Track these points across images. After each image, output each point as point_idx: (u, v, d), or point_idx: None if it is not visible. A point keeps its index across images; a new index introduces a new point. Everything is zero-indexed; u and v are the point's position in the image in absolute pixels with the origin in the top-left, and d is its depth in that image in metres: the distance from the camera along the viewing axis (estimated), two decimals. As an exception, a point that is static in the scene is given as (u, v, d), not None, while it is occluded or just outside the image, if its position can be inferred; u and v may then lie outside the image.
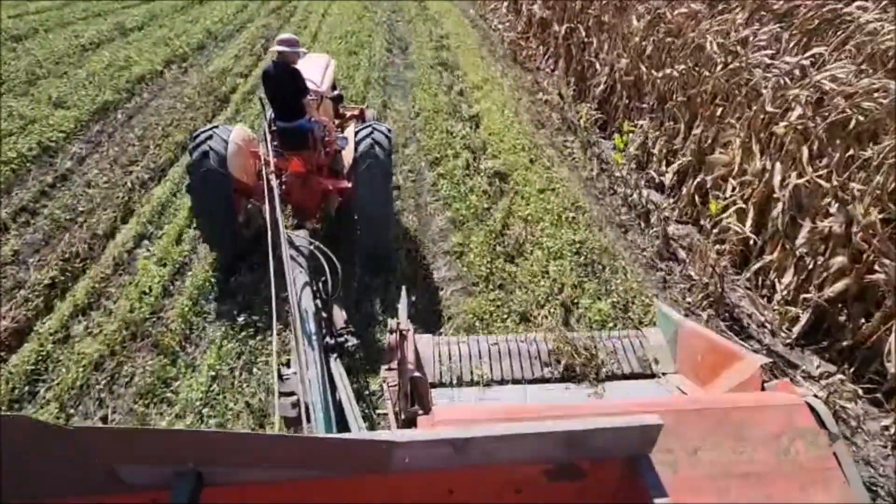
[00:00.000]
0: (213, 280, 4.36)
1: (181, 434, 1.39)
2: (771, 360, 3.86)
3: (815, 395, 1.87)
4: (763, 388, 2.09)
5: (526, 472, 1.47)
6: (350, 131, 4.43)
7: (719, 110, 5.22)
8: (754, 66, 4.78)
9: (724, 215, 4.78)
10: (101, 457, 1.22)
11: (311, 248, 3.19)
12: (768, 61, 4.72)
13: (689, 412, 1.81)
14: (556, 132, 7.52)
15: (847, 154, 3.94)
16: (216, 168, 3.85)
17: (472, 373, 2.63)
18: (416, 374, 2.14)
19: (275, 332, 2.47)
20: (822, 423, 1.76)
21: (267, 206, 3.22)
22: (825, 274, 3.92)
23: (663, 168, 6.02)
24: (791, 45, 5.00)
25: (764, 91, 4.56)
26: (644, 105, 6.61)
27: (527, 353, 2.74)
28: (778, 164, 4.34)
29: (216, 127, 4.09)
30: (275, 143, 4.11)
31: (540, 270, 4.58)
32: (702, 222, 5.23)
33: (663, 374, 2.62)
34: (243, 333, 3.89)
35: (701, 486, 1.63)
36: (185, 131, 6.69)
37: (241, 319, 3.98)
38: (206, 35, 10.75)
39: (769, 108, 4.48)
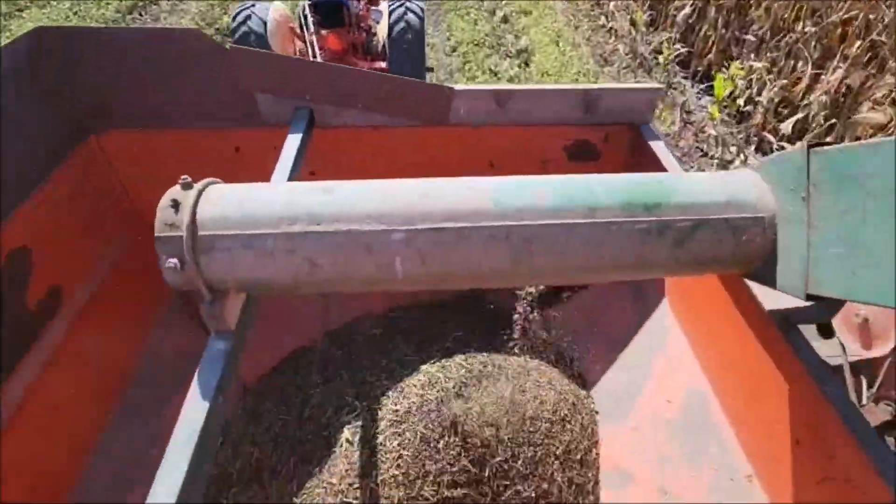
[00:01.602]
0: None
1: (302, 63, 1.75)
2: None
3: None
4: None
5: (550, 144, 1.81)
6: (384, 6, 4.47)
7: (870, 49, 3.75)
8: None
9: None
10: (245, 83, 1.71)
11: None
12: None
13: None
14: (625, 71, 5.87)
15: None
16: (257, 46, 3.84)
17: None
18: None
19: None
20: None
21: None
22: None
23: (777, 125, 4.42)
24: None
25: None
26: (748, 36, 4.93)
27: None
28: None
29: (254, 5, 4.08)
30: (312, 19, 4.22)
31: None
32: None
33: None
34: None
35: None
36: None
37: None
38: None
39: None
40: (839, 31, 4.15)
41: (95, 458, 1.82)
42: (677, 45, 5.65)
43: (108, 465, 1.84)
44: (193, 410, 0.97)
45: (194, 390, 1.00)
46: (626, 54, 6.05)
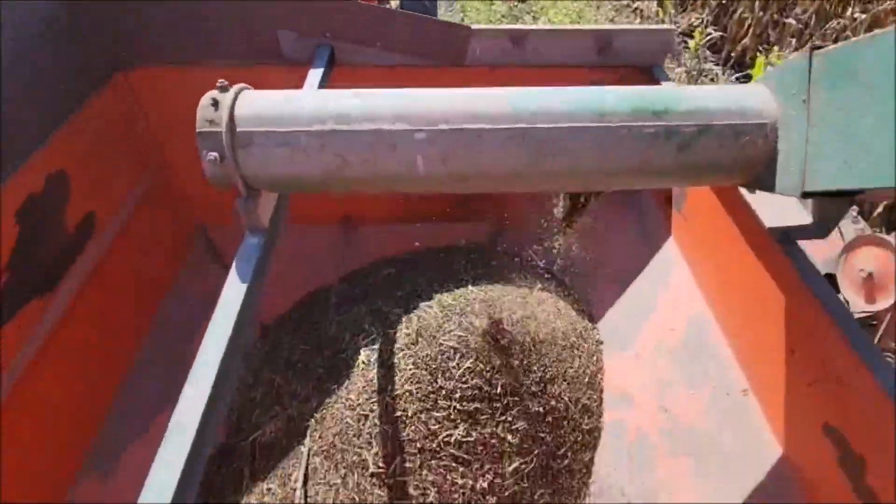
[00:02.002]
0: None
1: (323, 3, 1.77)
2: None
3: None
4: None
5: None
6: None
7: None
8: None
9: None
10: (268, 20, 1.78)
11: None
12: None
13: None
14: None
15: None
16: None
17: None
18: None
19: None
20: None
21: None
22: None
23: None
24: None
25: None
26: (790, 20, 4.44)
27: None
28: None
29: None
30: None
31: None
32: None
33: None
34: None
35: None
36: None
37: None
38: None
39: None
40: (891, 18, 3.89)
41: (127, 386, 1.95)
42: (709, 29, 5.10)
43: (142, 384, 1.97)
44: (230, 297, 1.06)
45: (232, 279, 1.09)
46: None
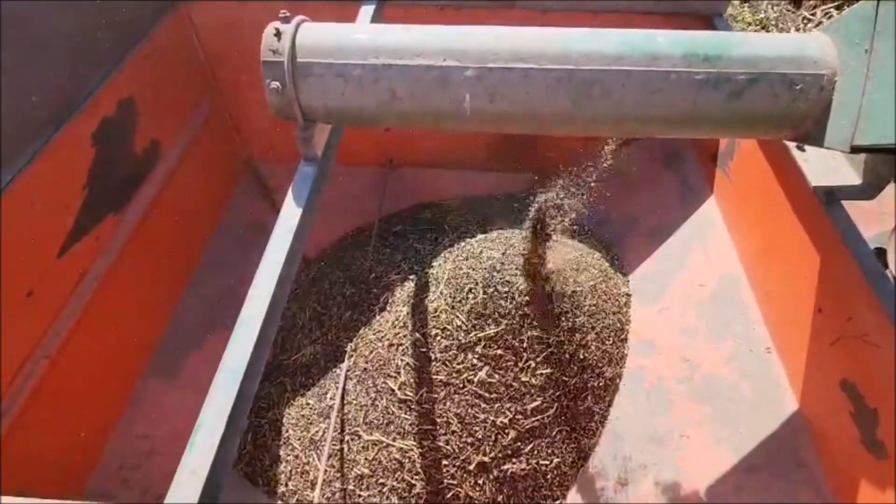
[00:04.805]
0: None
1: None
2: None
3: None
4: None
5: None
6: None
7: None
8: None
9: None
10: None
11: None
12: None
13: None
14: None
15: None
16: None
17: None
18: None
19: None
20: None
21: None
22: None
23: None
24: None
25: None
26: None
27: None
28: None
29: None
30: None
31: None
32: None
33: None
34: None
35: None
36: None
37: None
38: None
39: None
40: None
41: (183, 303, 2.14)
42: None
43: (197, 304, 2.15)
44: (288, 217, 1.16)
45: (288, 203, 1.19)
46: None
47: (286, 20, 1.14)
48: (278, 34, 1.12)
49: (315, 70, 1.12)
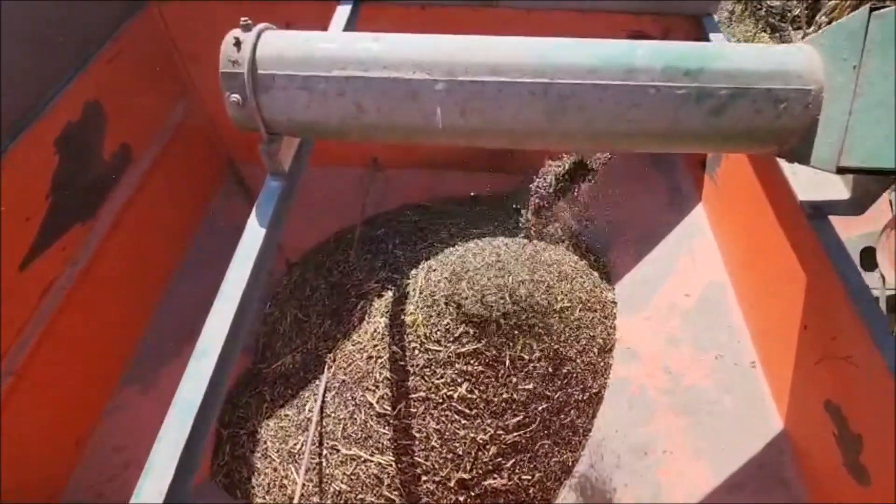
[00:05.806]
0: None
1: None
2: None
3: None
4: None
5: (605, 35, 1.86)
6: None
7: None
8: None
9: None
10: None
11: None
12: None
13: None
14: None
15: None
16: None
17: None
18: None
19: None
20: None
21: None
22: None
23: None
24: None
25: None
26: None
27: None
28: None
29: None
30: None
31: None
32: None
33: None
34: None
35: None
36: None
37: None
38: None
39: None
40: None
41: (162, 310, 2.09)
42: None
43: (176, 311, 2.10)
44: (249, 240, 1.11)
45: (252, 223, 1.14)
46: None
47: (247, 28, 1.08)
48: (238, 43, 1.06)
49: (277, 83, 1.06)
